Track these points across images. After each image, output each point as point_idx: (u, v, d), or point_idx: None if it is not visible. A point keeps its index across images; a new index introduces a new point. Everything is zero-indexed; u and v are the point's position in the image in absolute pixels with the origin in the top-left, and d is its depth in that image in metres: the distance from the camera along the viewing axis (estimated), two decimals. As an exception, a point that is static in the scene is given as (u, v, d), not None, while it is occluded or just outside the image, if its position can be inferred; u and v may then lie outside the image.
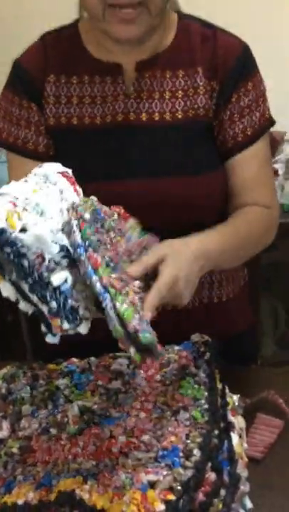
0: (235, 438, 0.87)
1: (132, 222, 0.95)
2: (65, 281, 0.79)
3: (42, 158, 1.10)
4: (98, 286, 0.79)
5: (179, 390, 0.93)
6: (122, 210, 0.94)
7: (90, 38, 1.10)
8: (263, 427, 0.96)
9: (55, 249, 0.79)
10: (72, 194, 0.89)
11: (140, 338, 0.77)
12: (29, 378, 1.01)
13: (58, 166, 0.91)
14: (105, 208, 0.91)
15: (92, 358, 1.04)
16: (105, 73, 1.09)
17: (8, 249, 0.76)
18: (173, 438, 0.84)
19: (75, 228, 0.81)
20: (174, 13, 1.14)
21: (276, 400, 0.99)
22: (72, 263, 0.80)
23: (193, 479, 0.77)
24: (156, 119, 1.09)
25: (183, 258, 0.92)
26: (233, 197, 1.15)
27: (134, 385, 0.96)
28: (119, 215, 0.93)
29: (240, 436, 0.89)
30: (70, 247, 0.80)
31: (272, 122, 1.15)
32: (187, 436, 0.84)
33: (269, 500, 0.88)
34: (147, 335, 0.78)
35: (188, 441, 0.83)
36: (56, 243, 0.79)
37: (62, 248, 0.80)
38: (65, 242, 0.81)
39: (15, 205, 0.79)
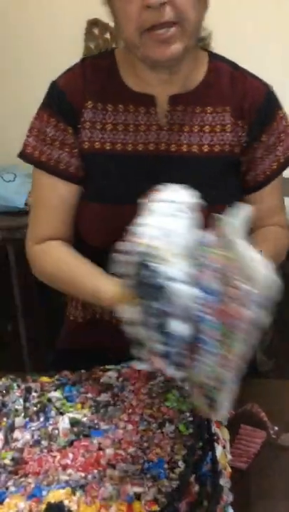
0: (219, 449, 0.91)
1: None
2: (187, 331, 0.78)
3: (72, 178, 1.16)
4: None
5: (165, 402, 0.97)
6: None
7: (126, 69, 1.14)
8: (247, 438, 0.99)
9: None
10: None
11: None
12: (22, 391, 1.04)
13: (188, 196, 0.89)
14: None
15: (83, 371, 1.07)
16: (139, 103, 1.13)
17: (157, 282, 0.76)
18: (158, 450, 0.88)
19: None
20: (204, 52, 1.18)
21: (259, 413, 1.02)
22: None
23: (177, 490, 0.81)
24: (185, 150, 1.13)
25: None
26: (257, 221, 1.20)
27: (123, 398, 0.99)
28: None
29: (224, 448, 0.93)
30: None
31: None
32: (172, 448, 0.88)
33: (252, 509, 0.91)
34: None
35: (173, 453, 0.87)
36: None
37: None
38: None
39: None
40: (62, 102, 1.14)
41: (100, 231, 1.15)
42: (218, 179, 1.15)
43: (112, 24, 2.05)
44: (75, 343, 1.31)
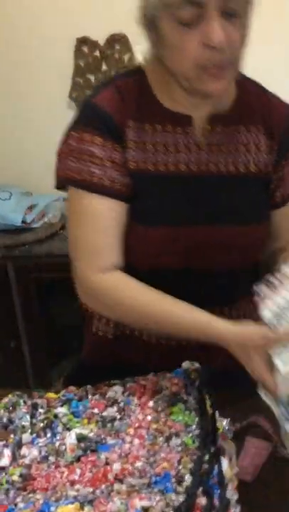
0: (225, 462, 0.92)
1: None
2: None
3: (126, 198, 1.12)
4: None
5: (171, 416, 0.98)
6: None
7: (159, 88, 1.13)
8: (253, 450, 1.00)
9: None
10: None
11: None
12: (29, 407, 1.05)
13: None
14: None
15: (89, 386, 1.08)
16: (176, 123, 1.12)
17: None
18: (165, 464, 0.89)
19: None
20: None
21: (264, 425, 1.03)
22: None
23: (184, 504, 0.81)
24: (223, 170, 1.14)
25: None
26: (276, 239, 1.24)
27: (129, 412, 1.00)
28: None
29: (230, 460, 0.94)
30: None
31: None
32: (179, 462, 0.89)
33: (259, 521, 0.92)
34: None
35: (180, 467, 0.88)
36: None
37: None
38: None
39: None
40: (106, 121, 1.10)
41: (143, 252, 1.14)
42: (253, 198, 1.17)
43: (101, 42, 2.10)
44: (102, 358, 1.31)
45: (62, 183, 1.15)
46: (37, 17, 2.16)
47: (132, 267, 1.14)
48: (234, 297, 1.25)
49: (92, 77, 2.22)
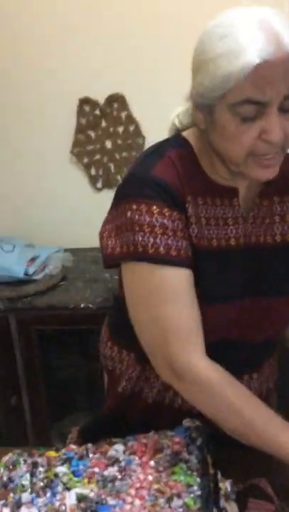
0: (227, 524, 0.91)
1: None
2: None
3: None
4: None
5: (172, 476, 0.97)
6: None
7: (204, 161, 1.12)
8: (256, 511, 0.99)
9: None
10: None
11: None
12: (29, 465, 1.04)
13: None
14: None
15: (90, 445, 1.07)
16: (222, 196, 1.12)
17: None
18: (167, 526, 0.88)
19: None
20: None
21: (266, 487, 1.02)
22: None
23: None
24: (261, 241, 1.14)
25: None
26: None
27: (130, 472, 0.99)
28: None
29: (232, 522, 0.93)
30: None
31: None
32: (181, 523, 0.88)
33: None
34: None
35: (182, 528, 0.87)
36: None
37: None
38: None
39: None
40: (171, 195, 1.07)
41: None
42: None
43: (100, 101, 2.19)
44: (126, 414, 1.30)
45: (123, 260, 1.09)
46: (44, 79, 2.27)
47: None
48: (262, 363, 1.26)
49: (92, 134, 2.31)
